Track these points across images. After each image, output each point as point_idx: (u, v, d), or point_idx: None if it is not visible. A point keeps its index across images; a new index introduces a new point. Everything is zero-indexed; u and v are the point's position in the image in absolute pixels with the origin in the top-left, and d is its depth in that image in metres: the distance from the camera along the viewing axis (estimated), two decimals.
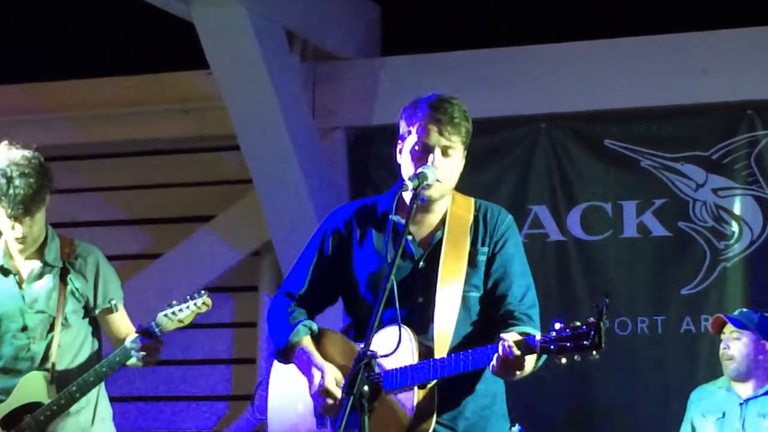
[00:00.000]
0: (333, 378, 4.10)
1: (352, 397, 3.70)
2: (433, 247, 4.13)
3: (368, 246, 4.20)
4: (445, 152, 4.09)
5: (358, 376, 3.72)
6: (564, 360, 3.71)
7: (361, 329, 4.16)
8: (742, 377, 6.11)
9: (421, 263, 4.14)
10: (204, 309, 4.79)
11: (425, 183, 4.02)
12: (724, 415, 6.14)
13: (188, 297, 4.79)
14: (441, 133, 4.09)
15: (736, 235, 7.01)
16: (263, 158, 7.20)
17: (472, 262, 4.12)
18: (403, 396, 4.02)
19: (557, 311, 6.89)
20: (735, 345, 6.11)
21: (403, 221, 4.09)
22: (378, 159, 7.53)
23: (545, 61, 7.30)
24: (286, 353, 4.21)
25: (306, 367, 4.15)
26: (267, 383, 4.37)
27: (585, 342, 3.66)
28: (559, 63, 7.28)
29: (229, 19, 6.76)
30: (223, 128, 7.41)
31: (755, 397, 6.11)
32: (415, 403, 3.98)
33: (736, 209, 7.02)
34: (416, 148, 4.10)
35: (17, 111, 7.93)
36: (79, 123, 8.01)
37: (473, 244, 4.13)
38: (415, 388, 3.99)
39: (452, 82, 7.31)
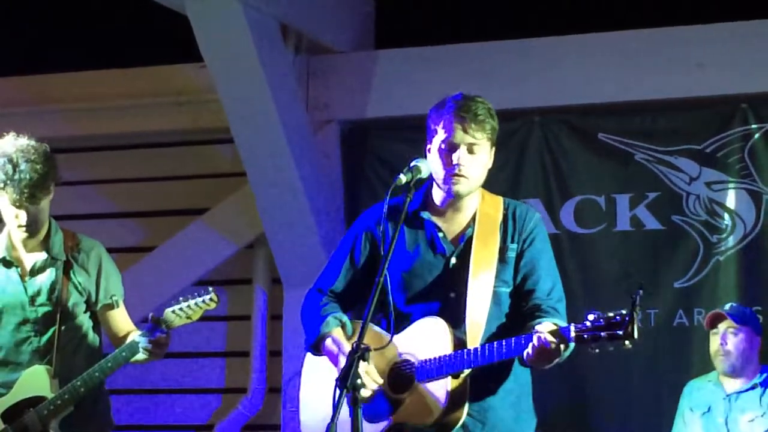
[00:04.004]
0: (363, 366, 4.10)
1: (345, 390, 3.74)
2: (464, 244, 4.25)
3: (400, 244, 4.28)
4: (470, 150, 4.19)
5: (352, 369, 3.75)
6: (597, 349, 3.86)
7: (394, 323, 4.25)
8: (736, 373, 6.14)
9: (453, 259, 4.26)
10: (212, 305, 4.76)
11: (418, 176, 4.11)
12: (709, 409, 6.17)
13: (195, 293, 4.77)
14: (465, 131, 4.19)
15: (729, 228, 7.02)
16: (257, 151, 7.20)
17: (502, 258, 4.24)
18: (435, 386, 4.12)
19: None
20: (732, 340, 6.13)
21: (433, 218, 4.25)
22: (372, 152, 7.55)
23: (539, 55, 7.30)
24: (317, 345, 4.30)
25: (335, 356, 4.22)
26: (299, 375, 4.44)
27: (619, 332, 3.81)
28: (553, 56, 7.28)
29: (223, 12, 6.76)
30: (216, 121, 7.41)
31: (739, 392, 6.13)
32: (447, 393, 4.09)
33: (730, 203, 7.03)
34: (443, 146, 4.20)
35: (10, 103, 7.92)
36: (73, 116, 8.00)
37: (503, 240, 4.26)
38: (449, 377, 4.10)
39: (446, 75, 7.33)
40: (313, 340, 4.31)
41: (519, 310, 4.24)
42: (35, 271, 5.03)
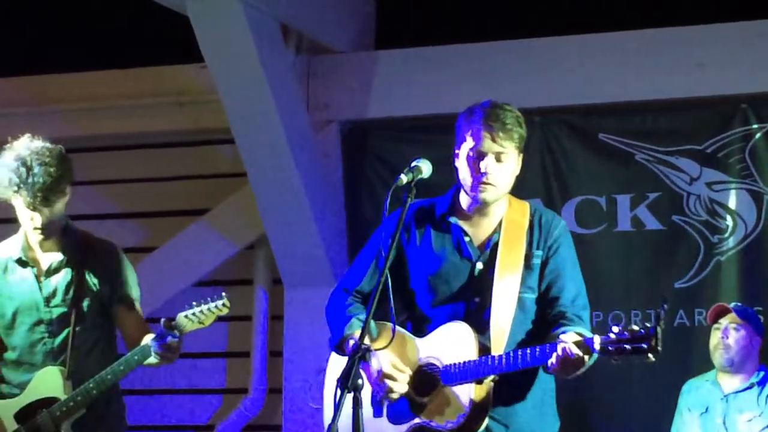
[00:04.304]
0: (389, 362, 4.22)
1: (345, 390, 3.75)
2: (489, 250, 4.31)
3: (427, 247, 4.35)
4: (498, 158, 4.25)
5: (353, 370, 3.76)
6: (619, 361, 3.93)
7: (418, 326, 4.34)
8: (734, 368, 6.14)
9: (479, 264, 4.31)
10: (224, 311, 4.74)
11: (419, 176, 4.12)
12: (707, 410, 6.17)
13: (208, 299, 4.77)
14: (494, 140, 4.24)
15: (730, 228, 7.02)
16: (257, 151, 7.20)
17: (527, 265, 4.31)
18: (459, 390, 4.17)
19: None
20: (734, 335, 6.14)
21: (460, 223, 4.32)
22: (372, 152, 7.55)
23: (539, 55, 7.30)
24: (341, 345, 4.35)
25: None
26: (324, 372, 4.48)
27: (643, 345, 3.89)
28: (553, 57, 7.28)
29: (223, 13, 6.76)
30: (217, 121, 7.41)
31: (736, 392, 6.13)
32: (471, 398, 4.14)
33: (731, 203, 7.03)
34: (471, 154, 4.26)
35: (11, 104, 7.93)
36: (73, 116, 8.00)
37: (529, 247, 4.32)
38: (473, 383, 4.15)
39: (446, 75, 7.34)
40: (337, 340, 4.36)
41: (544, 316, 4.30)
42: (51, 272, 5.01)
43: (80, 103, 7.99)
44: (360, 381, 3.79)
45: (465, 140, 4.28)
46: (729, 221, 7.02)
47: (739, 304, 6.34)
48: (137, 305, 5.10)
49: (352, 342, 4.25)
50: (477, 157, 4.24)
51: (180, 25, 6.89)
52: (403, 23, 7.74)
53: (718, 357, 6.17)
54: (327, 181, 7.50)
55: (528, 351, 4.07)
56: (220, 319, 8.10)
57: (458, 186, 4.36)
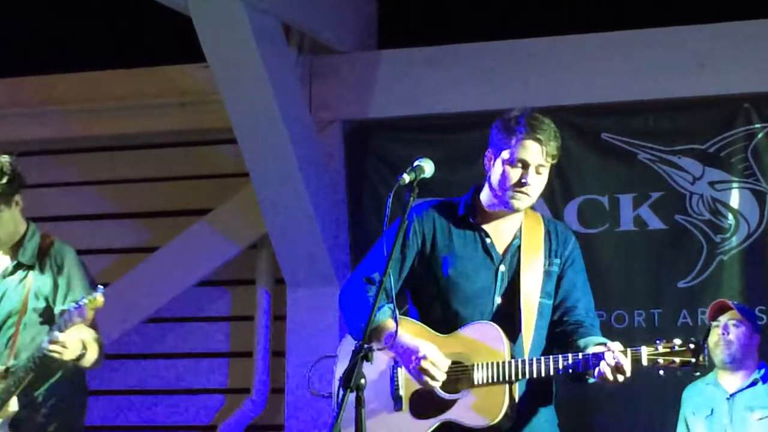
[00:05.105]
0: (435, 350, 4.24)
1: (348, 390, 3.74)
2: (512, 253, 4.40)
3: (449, 246, 4.40)
4: (537, 170, 4.38)
5: (356, 369, 3.75)
6: (663, 372, 4.22)
7: (440, 323, 4.36)
8: (735, 364, 6.13)
9: (502, 267, 4.39)
10: (99, 302, 4.75)
11: (421, 176, 4.13)
12: (712, 412, 6.15)
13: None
14: (539, 153, 4.38)
15: (732, 228, 7.01)
16: (260, 151, 7.20)
17: (546, 272, 4.41)
18: (495, 390, 4.22)
19: None
20: (734, 332, 6.14)
21: (483, 225, 4.41)
22: (375, 152, 7.54)
23: (541, 55, 7.30)
24: (375, 333, 4.26)
25: (399, 345, 4.25)
26: (336, 357, 4.46)
27: (692, 360, 4.13)
28: (556, 56, 7.27)
29: (225, 12, 6.75)
30: (219, 122, 7.40)
31: (741, 390, 6.13)
32: (506, 398, 4.22)
33: (733, 202, 7.02)
34: (512, 162, 4.35)
35: (12, 104, 7.92)
36: (75, 116, 7.99)
37: (546, 255, 4.42)
38: (506, 384, 4.23)
39: (448, 75, 7.33)
40: (365, 326, 4.13)
41: (560, 323, 4.41)
42: (5, 275, 5.11)
43: (81, 103, 7.98)
44: (363, 381, 3.78)
45: (507, 146, 4.34)
46: (731, 220, 7.02)
47: (737, 303, 6.33)
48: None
49: (388, 330, 4.23)
50: (518, 166, 4.34)
51: (182, 25, 6.89)
52: (404, 23, 7.73)
53: (719, 354, 6.15)
54: (329, 181, 7.49)
55: (570, 356, 4.20)
56: (222, 318, 8.17)
57: (476, 187, 4.46)
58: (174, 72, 7.89)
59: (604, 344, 4.21)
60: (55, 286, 5.10)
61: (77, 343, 4.90)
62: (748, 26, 7.03)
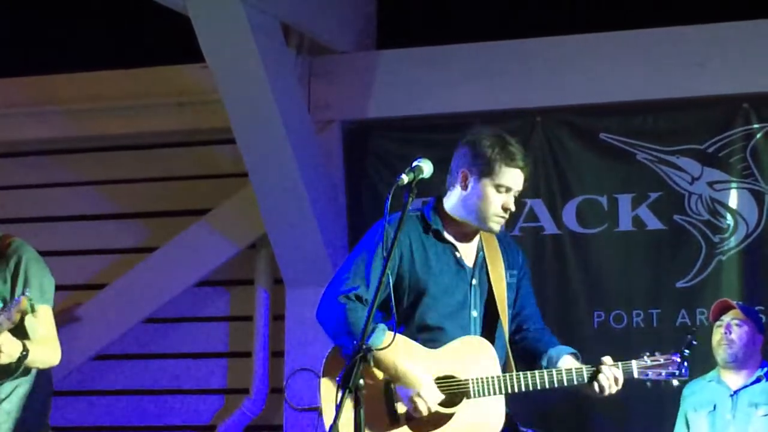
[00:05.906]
0: (429, 387, 4.30)
1: (347, 390, 3.74)
2: (479, 266, 4.51)
3: (425, 260, 4.45)
4: (515, 195, 4.49)
5: (354, 370, 3.75)
6: (649, 384, 4.49)
7: (421, 337, 4.41)
8: (738, 364, 6.13)
9: (473, 280, 4.48)
10: (24, 304, 4.69)
11: (420, 176, 4.13)
12: (714, 407, 6.16)
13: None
14: (521, 179, 4.48)
15: (731, 228, 7.01)
16: (259, 152, 7.20)
17: (509, 284, 4.56)
18: (493, 402, 4.36)
19: (553, 305, 6.91)
20: (736, 331, 6.14)
21: (453, 240, 4.50)
22: (374, 152, 7.54)
23: (540, 55, 7.30)
24: (369, 353, 4.18)
25: (399, 370, 4.30)
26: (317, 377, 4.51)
27: (676, 371, 4.47)
28: (555, 56, 7.27)
29: (224, 12, 6.75)
30: (218, 122, 7.41)
31: (745, 386, 6.13)
32: (503, 413, 4.37)
33: (732, 203, 7.02)
34: (497, 188, 4.44)
35: (12, 104, 7.92)
36: (74, 116, 7.99)
37: (506, 266, 4.56)
38: (502, 397, 4.36)
39: (447, 75, 7.33)
40: (358, 345, 4.07)
41: (518, 331, 4.60)
42: None
43: (81, 103, 7.98)
44: (361, 381, 3.78)
45: (490, 172, 4.40)
46: (730, 221, 7.02)
47: (740, 303, 6.34)
48: (42, 310, 4.93)
49: (383, 351, 4.22)
50: (503, 191, 4.42)
51: (181, 25, 6.89)
52: (404, 23, 7.74)
53: (721, 353, 6.16)
54: (328, 181, 7.49)
55: (564, 371, 4.35)
56: (221, 319, 8.17)
57: (437, 198, 4.53)
58: (173, 72, 7.89)
59: (575, 353, 4.41)
60: (13, 286, 4.96)
61: (13, 345, 4.75)
62: (747, 26, 7.03)
